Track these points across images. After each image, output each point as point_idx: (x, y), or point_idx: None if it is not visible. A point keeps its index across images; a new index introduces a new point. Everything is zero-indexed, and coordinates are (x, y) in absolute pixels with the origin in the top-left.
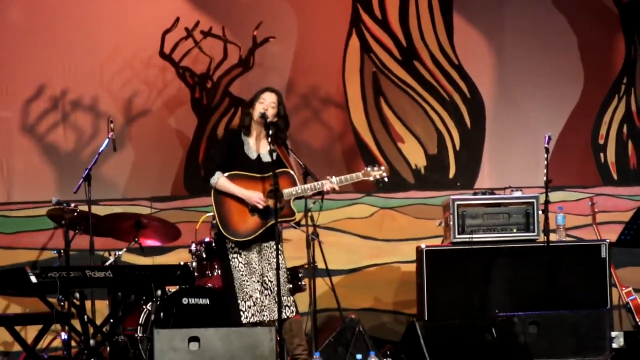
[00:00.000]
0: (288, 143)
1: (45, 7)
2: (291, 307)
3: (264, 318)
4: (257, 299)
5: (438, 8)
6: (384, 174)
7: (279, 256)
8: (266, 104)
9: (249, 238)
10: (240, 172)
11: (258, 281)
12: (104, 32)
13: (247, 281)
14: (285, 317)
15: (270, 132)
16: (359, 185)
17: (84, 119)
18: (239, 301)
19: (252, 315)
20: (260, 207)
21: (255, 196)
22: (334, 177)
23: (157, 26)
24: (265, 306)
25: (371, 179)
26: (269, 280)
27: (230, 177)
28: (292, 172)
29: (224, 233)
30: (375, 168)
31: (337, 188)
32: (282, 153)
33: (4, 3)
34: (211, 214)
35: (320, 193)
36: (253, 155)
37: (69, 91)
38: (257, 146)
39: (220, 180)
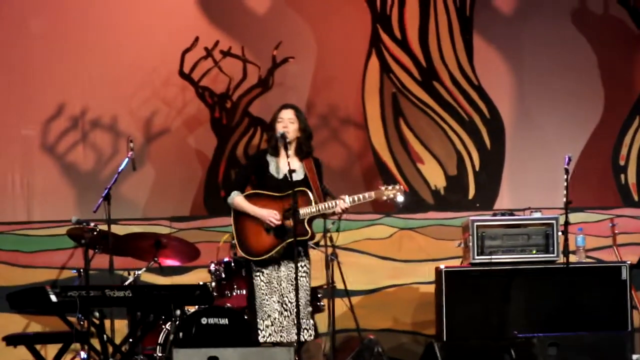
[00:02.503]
0: (320, 160)
1: (64, 26)
2: (310, 331)
3: (282, 339)
4: (275, 319)
5: (458, 29)
6: (398, 194)
7: (304, 278)
8: (285, 121)
9: (264, 257)
10: (260, 192)
11: (278, 301)
12: (123, 51)
13: (267, 300)
14: (303, 339)
15: (286, 150)
16: (378, 206)
17: (104, 138)
18: (258, 320)
19: (270, 335)
20: (273, 225)
21: (269, 214)
22: (347, 196)
23: (176, 45)
24: (284, 327)
25: (384, 198)
26: (289, 301)
27: (249, 196)
28: (308, 191)
29: (240, 251)
30: (390, 187)
31: (348, 207)
32: (310, 169)
33: (23, 22)
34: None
35: (334, 213)
36: (279, 175)
37: (89, 110)
38: (285, 166)
39: (236, 199)
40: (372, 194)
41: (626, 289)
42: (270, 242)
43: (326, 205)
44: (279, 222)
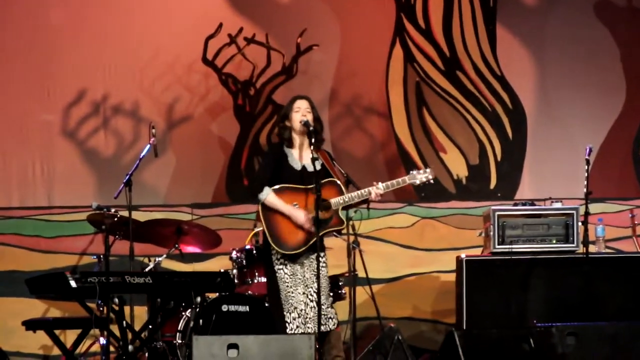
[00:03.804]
0: (330, 150)
1: (87, 11)
2: (333, 319)
3: (309, 330)
4: (302, 310)
5: (481, 18)
6: (430, 177)
7: (324, 268)
8: (302, 110)
9: (300, 250)
10: (287, 185)
11: (303, 293)
12: (146, 37)
13: (292, 292)
14: (328, 329)
15: (314, 139)
16: (400, 194)
17: (125, 124)
18: (285, 313)
19: (297, 327)
20: (304, 229)
21: (301, 218)
22: (380, 183)
23: (200, 32)
24: (309, 318)
25: (417, 182)
26: (314, 292)
27: (277, 190)
28: (337, 181)
29: (274, 246)
30: (421, 171)
31: (382, 193)
32: (326, 159)
33: (46, 6)
34: (260, 229)
35: (367, 201)
36: (298, 166)
37: (110, 96)
38: (302, 156)
39: (269, 197)
40: (406, 178)
41: None
42: (304, 234)
43: (359, 194)
44: (308, 229)
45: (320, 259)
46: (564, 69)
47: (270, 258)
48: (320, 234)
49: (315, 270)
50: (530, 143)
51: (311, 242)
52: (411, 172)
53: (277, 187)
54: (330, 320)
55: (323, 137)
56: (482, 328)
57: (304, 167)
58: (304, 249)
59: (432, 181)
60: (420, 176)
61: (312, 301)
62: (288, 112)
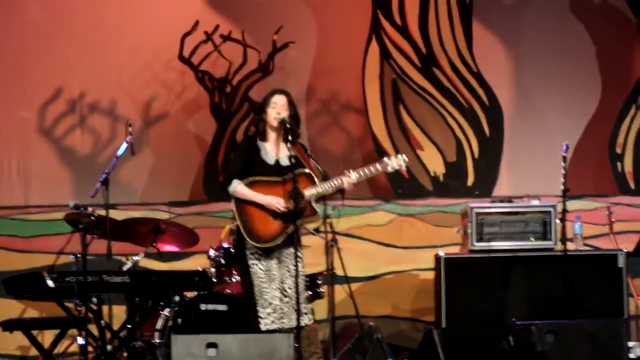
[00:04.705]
0: (307, 145)
1: (64, 8)
2: (309, 315)
3: (283, 325)
4: (276, 306)
5: (458, 15)
6: (403, 163)
7: (299, 263)
8: (279, 107)
9: (274, 243)
10: (259, 178)
11: (277, 288)
12: (123, 35)
13: (266, 288)
14: (304, 324)
15: (290, 137)
16: (377, 191)
17: (102, 122)
18: (258, 308)
19: (272, 322)
20: (280, 211)
21: (275, 201)
22: (352, 171)
23: (176, 29)
24: (284, 313)
25: (390, 169)
26: (288, 288)
27: (250, 183)
28: (311, 172)
29: (248, 240)
30: (393, 158)
31: (355, 182)
32: (300, 153)
33: (23, 3)
34: (235, 223)
35: (341, 190)
36: (271, 160)
37: (87, 94)
38: (275, 151)
39: (238, 188)
40: (378, 166)
41: (622, 277)
42: (278, 227)
43: (332, 184)
44: (285, 209)
45: (297, 253)
46: (540, 65)
47: (244, 253)
48: (292, 227)
49: (290, 266)
50: (507, 140)
51: (285, 233)
52: (384, 159)
53: (249, 180)
54: (305, 315)
55: (299, 133)
56: (461, 326)
57: (277, 162)
58: (279, 241)
59: (405, 168)
60: (393, 163)
61: (286, 297)
62: (265, 106)
